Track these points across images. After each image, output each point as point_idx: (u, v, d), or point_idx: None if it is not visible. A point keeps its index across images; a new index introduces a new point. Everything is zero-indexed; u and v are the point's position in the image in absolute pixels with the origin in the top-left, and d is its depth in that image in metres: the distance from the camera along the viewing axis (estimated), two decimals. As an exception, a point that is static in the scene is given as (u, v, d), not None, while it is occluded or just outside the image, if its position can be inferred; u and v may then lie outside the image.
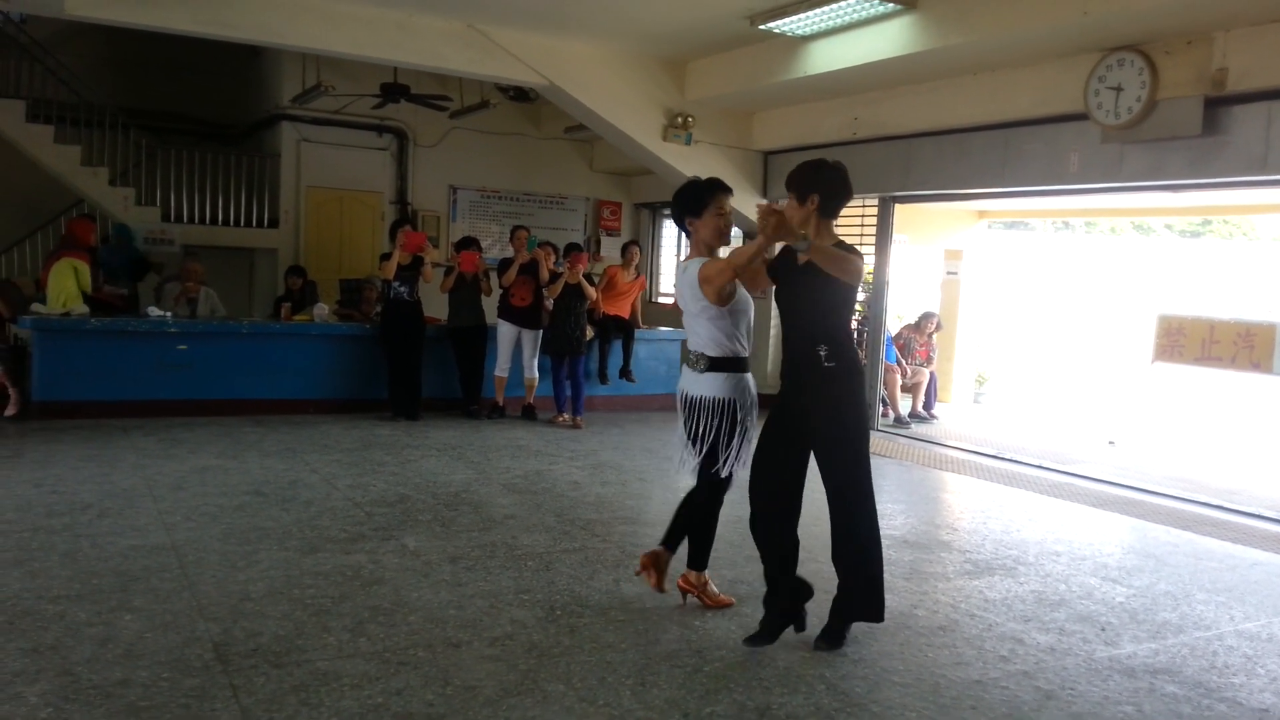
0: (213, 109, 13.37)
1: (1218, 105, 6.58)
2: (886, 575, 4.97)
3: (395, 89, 10.67)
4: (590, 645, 3.86)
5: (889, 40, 7.55)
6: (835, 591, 3.98)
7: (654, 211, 14.47)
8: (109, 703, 3.18)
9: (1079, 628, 4.40)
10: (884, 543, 5.56)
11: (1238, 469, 8.67)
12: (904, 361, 10.47)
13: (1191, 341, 8.71)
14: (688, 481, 4.37)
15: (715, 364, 4.07)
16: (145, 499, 5.72)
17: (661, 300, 14.32)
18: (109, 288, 9.75)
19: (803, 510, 4.00)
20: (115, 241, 10.51)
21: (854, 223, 10.08)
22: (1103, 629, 4.40)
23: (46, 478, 6.10)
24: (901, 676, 3.74)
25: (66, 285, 8.38)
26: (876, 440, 9.06)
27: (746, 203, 10.56)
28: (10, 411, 8.03)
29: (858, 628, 4.05)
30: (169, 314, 8.78)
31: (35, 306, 8.37)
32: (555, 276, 9.04)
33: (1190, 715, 3.55)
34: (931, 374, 10.71)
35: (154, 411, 8.34)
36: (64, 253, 8.71)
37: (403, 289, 8.79)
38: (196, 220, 12.04)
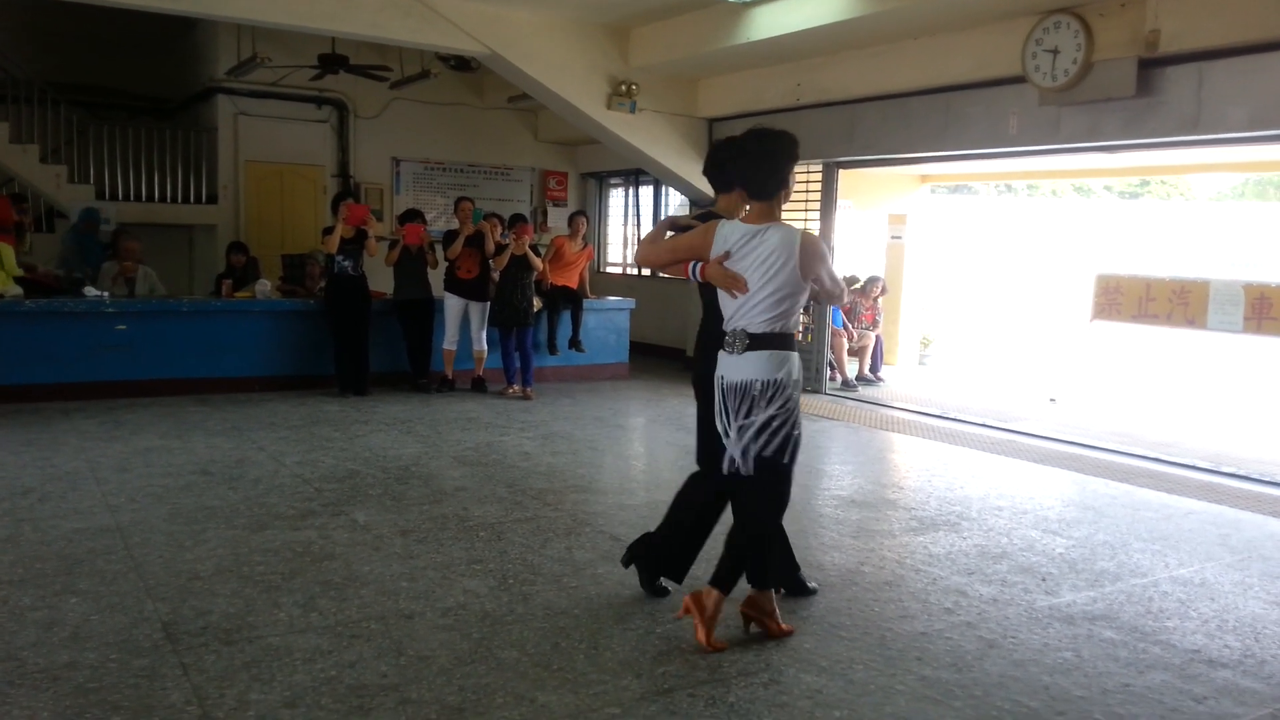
0: (146, 83, 13.06)
1: (1151, 67, 6.70)
2: (834, 534, 5.09)
3: (333, 60, 10.48)
4: (543, 612, 3.89)
5: (831, 5, 7.58)
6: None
7: (600, 181, 14.42)
8: (56, 685, 3.15)
9: (1020, 579, 4.51)
10: (831, 503, 5.69)
11: (1174, 423, 8.91)
12: (850, 326, 10.58)
13: (1129, 300, 8.89)
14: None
15: (760, 341, 3.57)
16: (88, 482, 5.63)
17: (609, 270, 14.30)
18: (84, 268, 9.50)
19: None
20: (85, 227, 10.21)
21: (799, 189, 10.13)
22: (1043, 579, 4.52)
23: (-16, 463, 5.98)
24: (849, 631, 3.81)
25: None
26: (824, 403, 9.17)
27: (694, 171, 10.59)
28: (-56, 397, 7.83)
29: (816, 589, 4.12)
30: (106, 294, 8.60)
31: (-34, 290, 8.15)
32: (501, 248, 9.00)
33: (1126, 658, 3.67)
34: (877, 337, 10.84)
35: (95, 393, 8.19)
36: None
37: (347, 263, 8.69)
38: (132, 197, 11.79)
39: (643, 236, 3.86)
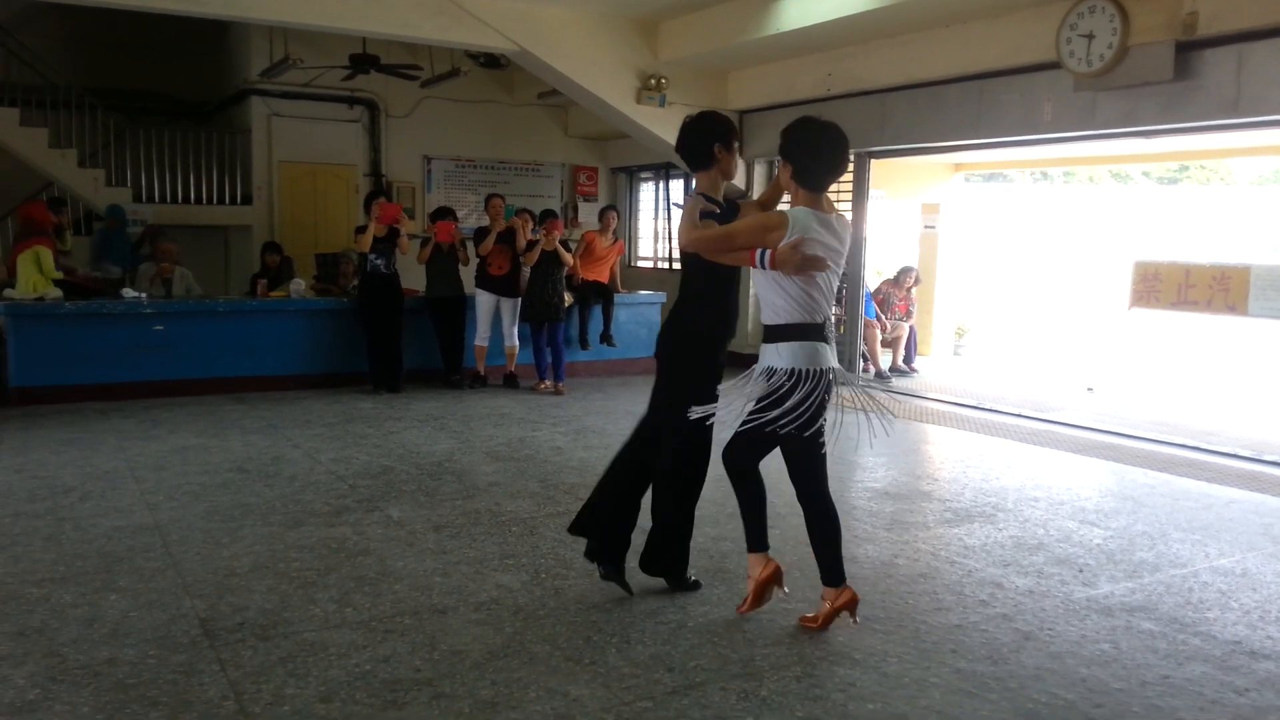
0: (181, 86, 13.22)
1: (1189, 50, 6.58)
2: (868, 526, 5.05)
3: (365, 60, 10.56)
4: (575, 606, 3.90)
5: (859, -6, 7.52)
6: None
7: (630, 175, 14.41)
8: (96, 681, 3.20)
9: (1057, 570, 4.46)
10: (865, 495, 5.65)
11: (1214, 410, 8.76)
12: (883, 316, 10.51)
13: (1168, 286, 8.75)
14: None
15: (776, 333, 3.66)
16: (127, 480, 5.71)
17: (640, 264, 14.30)
18: (109, 268, 9.64)
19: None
20: (110, 224, 10.36)
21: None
22: (1080, 570, 4.47)
23: (27, 463, 6.08)
24: (883, 624, 3.79)
25: (31, 275, 8.32)
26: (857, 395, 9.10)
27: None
28: (-11, 398, 7.98)
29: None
30: (144, 295, 8.72)
31: (7, 292, 8.30)
32: (532, 244, 9.02)
33: (1165, 650, 3.62)
34: (911, 328, 10.75)
35: (133, 394, 8.31)
36: (30, 241, 8.59)
37: (379, 261, 8.75)
38: (169, 199, 11.95)
39: (681, 224, 3.77)
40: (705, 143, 3.90)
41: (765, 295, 3.66)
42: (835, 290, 3.71)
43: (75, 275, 9.25)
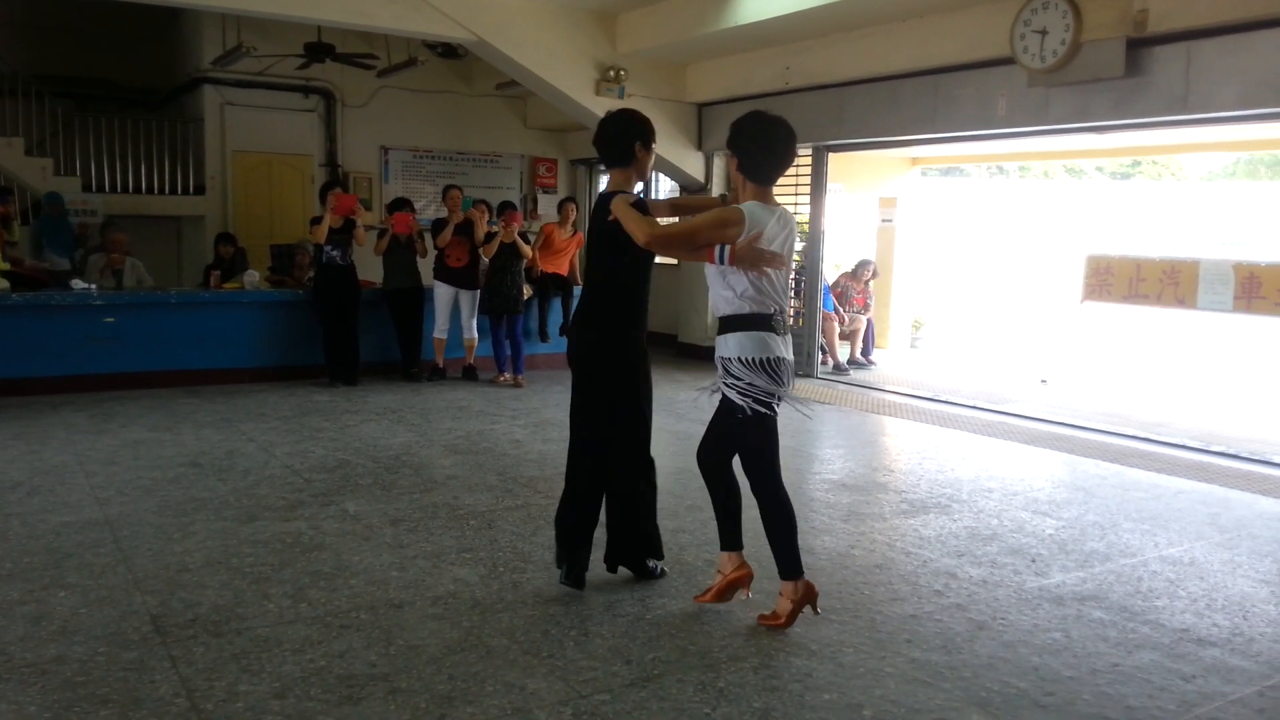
0: (132, 74, 12.96)
1: (1139, 46, 6.68)
2: (825, 518, 5.09)
3: (320, 48, 10.40)
4: (533, 600, 3.89)
5: (818, -12, 7.54)
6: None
7: (590, 167, 14.36)
8: (44, 679, 3.14)
9: (1010, 560, 4.52)
10: (822, 487, 5.69)
11: (1164, 402, 8.93)
12: (841, 309, 10.58)
13: (1119, 280, 8.89)
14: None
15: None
16: (77, 475, 5.61)
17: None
18: (53, 257, 9.43)
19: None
20: (50, 210, 10.13)
21: (789, 172, 10.08)
22: (1033, 560, 4.53)
23: (-27, 457, 5.95)
24: (839, 615, 3.82)
25: None
26: (816, 387, 9.17)
27: (684, 156, 10.56)
28: (-68, 392, 7.79)
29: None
30: (94, 286, 8.55)
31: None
32: (490, 236, 8.96)
33: (1115, 638, 3.68)
34: (869, 321, 10.84)
35: (84, 386, 8.15)
36: None
37: (335, 253, 8.66)
38: (120, 189, 11.71)
39: (631, 223, 3.71)
40: (626, 140, 3.91)
41: (715, 288, 3.69)
42: (788, 283, 3.74)
43: (22, 266, 9.05)
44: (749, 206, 3.60)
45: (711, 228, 3.59)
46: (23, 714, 2.92)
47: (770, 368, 3.57)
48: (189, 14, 11.60)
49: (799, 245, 10.33)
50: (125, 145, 11.77)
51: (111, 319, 8.30)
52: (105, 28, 12.19)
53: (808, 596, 3.68)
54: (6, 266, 8.50)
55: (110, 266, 9.01)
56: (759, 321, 3.61)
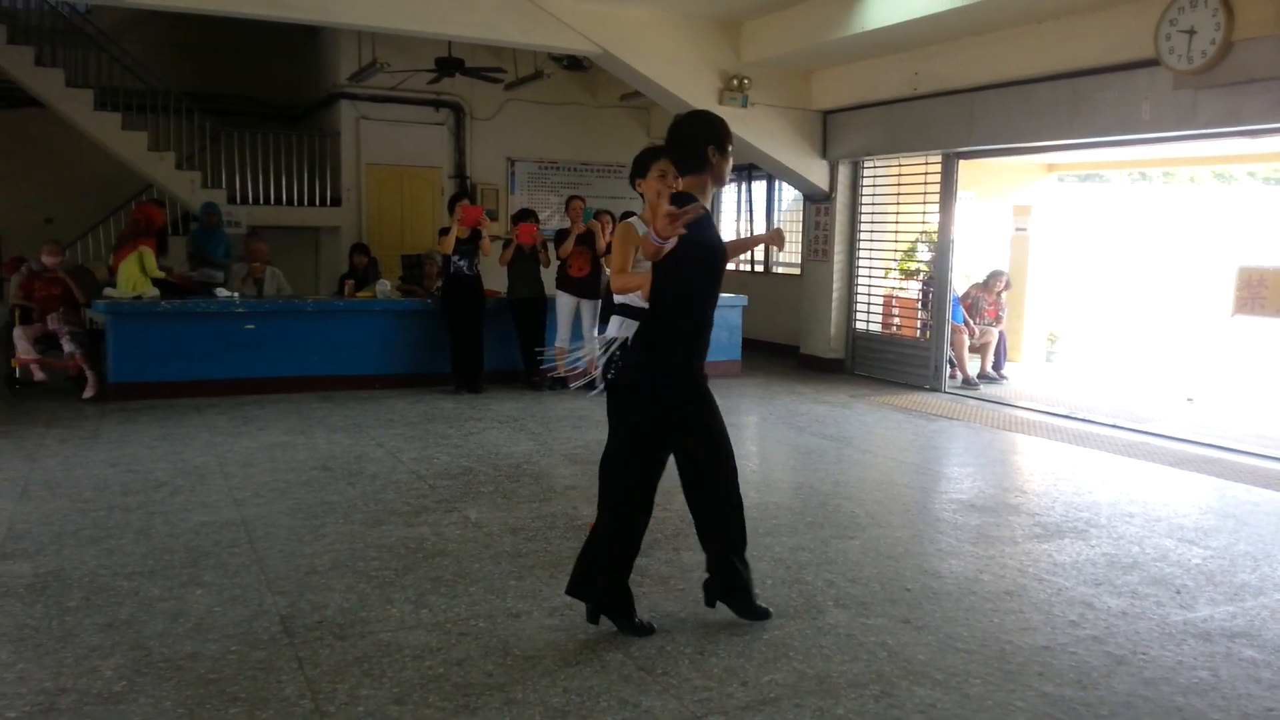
0: (274, 90, 13.58)
1: (1299, 44, 6.27)
2: (952, 540, 4.92)
3: (450, 63, 10.70)
4: (650, 614, 3.85)
5: (948, -9, 7.34)
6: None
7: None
8: (179, 675, 3.27)
9: (1152, 591, 4.27)
10: (950, 507, 5.50)
11: (1325, 424, 8.34)
12: (971, 321, 10.25)
13: (1274, 293, 8.37)
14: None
15: None
16: (216, 476, 5.86)
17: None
18: (209, 272, 9.89)
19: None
20: (206, 220, 10.57)
21: (917, 180, 9.87)
22: (1177, 592, 4.27)
23: (122, 457, 6.28)
24: (966, 643, 3.67)
25: (132, 273, 8.62)
26: (944, 402, 8.90)
27: (809, 165, 10.43)
28: (88, 393, 8.27)
29: (927, 594, 3.99)
30: (236, 294, 8.96)
31: (107, 291, 8.60)
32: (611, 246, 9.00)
33: (1270, 680, 3.43)
34: (1000, 333, 10.47)
35: (226, 390, 8.54)
36: (136, 242, 8.88)
37: (462, 263, 8.85)
38: (262, 201, 12.27)
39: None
40: (699, 143, 3.65)
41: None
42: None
43: (172, 274, 9.55)
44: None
45: (620, 249, 4.00)
46: (159, 708, 3.04)
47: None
48: (327, 31, 12.08)
49: (925, 255, 10.07)
50: (267, 159, 12.33)
51: (252, 326, 8.68)
52: (249, 46, 12.80)
53: None
54: (162, 275, 9.00)
55: (252, 275, 9.43)
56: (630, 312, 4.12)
